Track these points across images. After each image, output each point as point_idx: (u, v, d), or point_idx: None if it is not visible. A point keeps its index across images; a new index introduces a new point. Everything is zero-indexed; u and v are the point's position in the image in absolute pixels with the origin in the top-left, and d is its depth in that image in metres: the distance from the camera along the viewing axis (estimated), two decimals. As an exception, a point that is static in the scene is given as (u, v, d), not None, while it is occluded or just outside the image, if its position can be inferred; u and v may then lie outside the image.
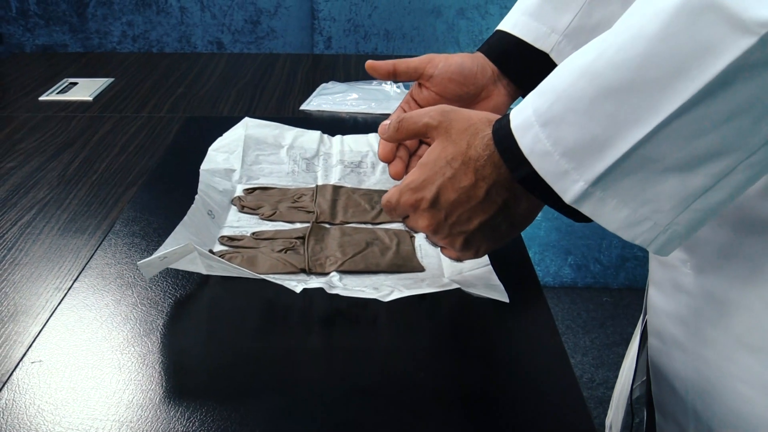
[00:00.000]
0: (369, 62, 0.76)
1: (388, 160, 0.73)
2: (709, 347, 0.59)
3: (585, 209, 0.52)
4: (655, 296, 0.65)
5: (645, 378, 0.77)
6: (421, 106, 0.78)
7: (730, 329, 0.57)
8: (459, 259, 0.67)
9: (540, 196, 0.56)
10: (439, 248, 0.68)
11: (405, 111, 0.78)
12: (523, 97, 0.76)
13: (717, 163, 0.47)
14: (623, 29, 0.49)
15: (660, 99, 0.46)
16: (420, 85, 0.78)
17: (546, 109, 0.52)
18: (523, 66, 0.77)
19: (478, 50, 0.79)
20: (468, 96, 0.77)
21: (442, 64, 0.76)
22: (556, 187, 0.52)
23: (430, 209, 0.61)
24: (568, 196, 0.52)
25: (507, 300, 0.70)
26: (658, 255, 0.51)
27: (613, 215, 0.51)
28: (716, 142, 0.46)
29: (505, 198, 0.59)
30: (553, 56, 0.76)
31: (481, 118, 0.60)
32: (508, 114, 0.56)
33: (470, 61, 0.77)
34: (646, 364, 0.74)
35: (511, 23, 0.78)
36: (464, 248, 0.64)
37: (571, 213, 0.54)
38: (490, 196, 0.59)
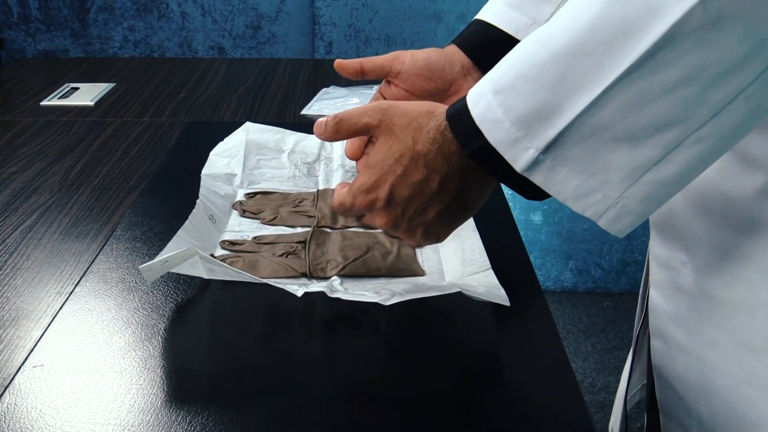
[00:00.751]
0: (337, 61, 0.76)
1: (356, 158, 0.72)
2: (711, 348, 0.59)
3: (536, 178, 0.51)
4: (657, 298, 0.65)
5: (645, 382, 0.77)
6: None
7: (732, 330, 0.57)
8: (419, 246, 0.67)
9: (492, 172, 0.55)
10: (397, 239, 0.68)
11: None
12: None
13: (665, 134, 0.47)
14: None
15: (606, 62, 0.46)
16: (388, 82, 0.78)
17: (499, 77, 0.52)
18: (499, 59, 0.77)
19: (453, 41, 0.79)
20: (437, 91, 0.76)
21: (408, 60, 0.76)
22: (507, 156, 0.51)
23: (385, 207, 0.61)
24: (518, 164, 0.51)
25: (508, 303, 0.70)
26: (610, 231, 0.51)
27: (563, 185, 0.50)
28: (664, 110, 0.46)
29: (458, 187, 0.58)
30: None
31: (421, 111, 0.59)
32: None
33: (437, 56, 0.76)
34: (646, 368, 0.74)
35: (492, 13, 0.78)
36: (425, 237, 0.63)
37: (524, 189, 0.54)
38: (443, 187, 0.58)
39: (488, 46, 0.77)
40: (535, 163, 0.50)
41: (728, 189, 0.56)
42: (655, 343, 0.66)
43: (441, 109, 0.58)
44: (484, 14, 0.78)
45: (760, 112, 0.46)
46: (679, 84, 0.45)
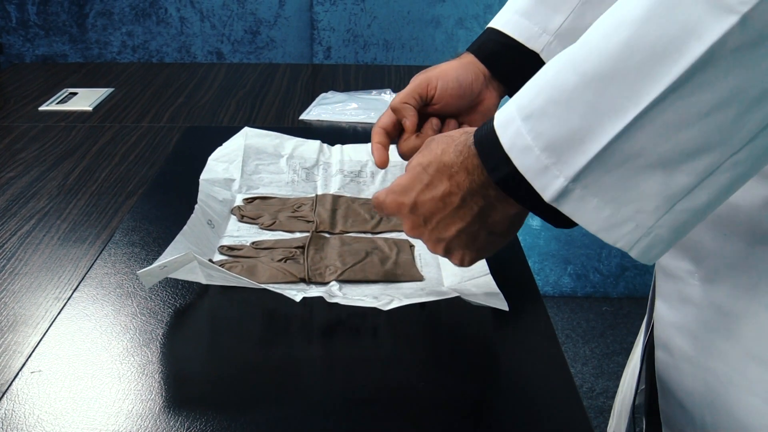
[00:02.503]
0: (378, 157, 0.76)
1: (385, 166, 0.75)
2: (718, 359, 0.58)
3: (565, 208, 0.50)
4: (662, 309, 0.65)
5: (644, 387, 0.77)
6: (422, 119, 0.77)
7: (739, 341, 0.57)
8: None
9: (519, 200, 0.54)
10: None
11: (408, 123, 0.76)
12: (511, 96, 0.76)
13: (700, 160, 0.45)
14: (607, 18, 0.48)
15: (641, 86, 0.45)
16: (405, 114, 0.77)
17: (528, 102, 0.51)
18: (513, 67, 0.77)
19: (468, 49, 0.79)
20: (468, 106, 0.77)
21: (440, 84, 0.75)
22: (536, 184, 0.50)
23: (410, 215, 0.61)
24: (547, 193, 0.50)
25: (507, 308, 0.70)
26: (641, 261, 0.50)
27: (594, 215, 0.49)
28: (699, 136, 0.45)
29: (480, 205, 0.57)
30: (543, 56, 0.76)
31: (458, 130, 0.60)
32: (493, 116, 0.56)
33: (464, 72, 0.76)
34: (647, 374, 0.74)
35: (503, 21, 0.78)
36: (447, 254, 0.63)
37: (552, 217, 0.53)
38: (465, 204, 0.58)
39: (502, 53, 0.77)
40: (564, 193, 0.49)
41: (735, 199, 0.55)
42: (659, 354, 0.66)
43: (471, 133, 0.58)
44: (495, 23, 0.79)
45: None
46: (716, 108, 0.44)
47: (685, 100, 0.44)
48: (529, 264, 0.83)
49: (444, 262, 0.81)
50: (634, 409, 0.79)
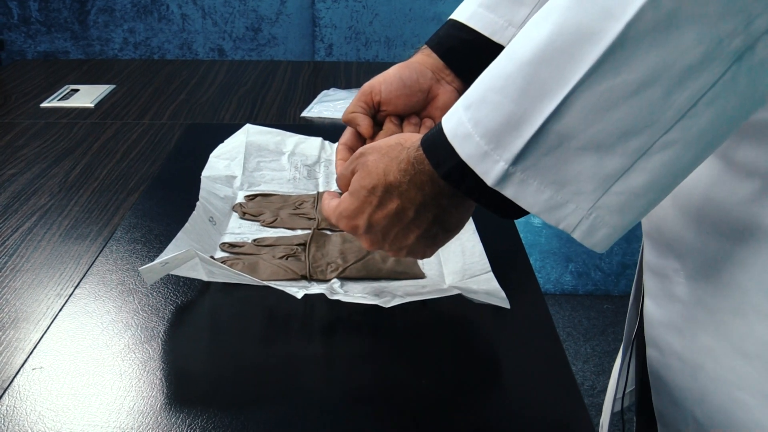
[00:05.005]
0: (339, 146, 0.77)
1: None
2: (706, 356, 0.59)
3: (507, 191, 0.51)
4: (651, 306, 0.65)
5: (633, 387, 0.77)
6: (379, 125, 0.77)
7: (726, 337, 0.57)
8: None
9: (467, 192, 0.55)
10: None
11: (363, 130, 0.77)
12: None
13: (631, 141, 0.46)
14: (543, 7, 0.49)
15: (567, 69, 0.46)
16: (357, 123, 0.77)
17: (470, 93, 0.52)
18: (472, 62, 0.76)
19: (426, 43, 0.79)
20: (418, 103, 0.76)
21: (383, 87, 0.76)
22: (478, 170, 0.51)
23: (366, 234, 0.62)
24: (489, 178, 0.51)
25: (508, 306, 0.70)
26: (587, 245, 0.50)
27: (535, 197, 0.50)
28: (628, 116, 0.46)
29: (434, 213, 0.59)
30: None
31: (390, 144, 0.60)
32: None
33: (408, 71, 0.76)
34: (637, 373, 0.74)
35: (468, 15, 0.77)
36: (411, 256, 0.64)
37: (501, 207, 0.54)
38: (419, 215, 0.59)
39: (462, 49, 0.77)
40: (505, 176, 0.50)
41: (718, 196, 0.56)
42: (650, 352, 0.66)
43: (412, 140, 0.58)
44: (459, 15, 0.78)
45: (727, 117, 0.46)
46: (640, 88, 0.45)
47: (609, 80, 0.45)
48: (531, 262, 0.83)
49: (445, 259, 0.81)
50: (623, 411, 0.79)
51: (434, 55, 0.77)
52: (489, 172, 0.51)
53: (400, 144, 0.59)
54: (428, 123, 0.76)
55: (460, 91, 0.77)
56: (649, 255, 0.65)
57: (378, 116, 0.77)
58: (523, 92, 0.48)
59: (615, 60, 0.45)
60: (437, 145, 0.55)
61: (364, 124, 0.75)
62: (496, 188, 0.51)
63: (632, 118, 0.46)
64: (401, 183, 0.58)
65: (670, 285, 0.62)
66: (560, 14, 0.47)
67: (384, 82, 0.76)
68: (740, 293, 0.56)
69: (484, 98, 0.51)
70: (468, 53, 0.77)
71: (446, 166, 0.54)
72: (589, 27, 0.45)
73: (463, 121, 0.52)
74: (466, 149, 0.52)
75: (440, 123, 0.55)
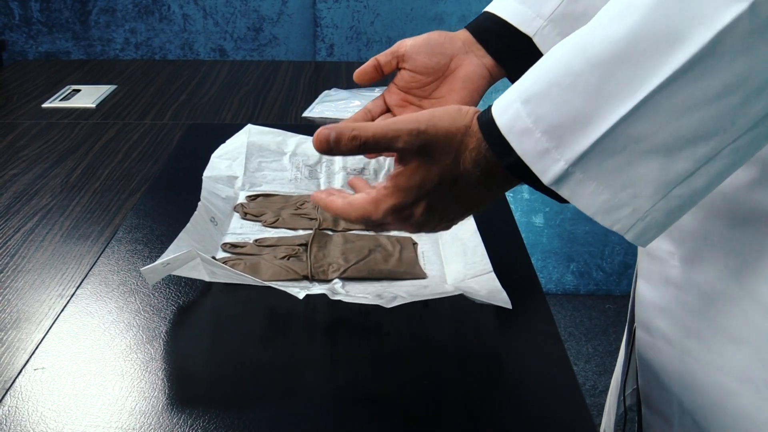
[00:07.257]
0: (356, 72, 0.79)
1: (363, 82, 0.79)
2: (695, 340, 0.59)
3: (563, 191, 0.50)
4: (644, 289, 0.66)
5: (635, 387, 0.77)
6: (399, 88, 0.79)
7: (716, 322, 0.57)
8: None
9: (524, 179, 0.53)
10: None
11: (385, 100, 0.80)
12: (507, 75, 0.77)
13: (701, 147, 0.46)
14: (616, 3, 0.48)
15: (646, 72, 0.45)
16: (390, 85, 0.80)
17: (529, 86, 0.50)
18: (505, 44, 0.78)
19: (465, 27, 0.80)
20: (438, 66, 0.77)
21: (410, 41, 0.78)
22: (535, 168, 0.50)
23: (418, 221, 0.58)
24: (546, 177, 0.50)
25: (510, 306, 0.70)
26: (636, 243, 0.50)
27: (591, 199, 0.49)
28: (701, 123, 0.45)
29: (492, 197, 0.57)
30: (536, 41, 0.76)
31: (460, 129, 0.55)
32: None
33: (437, 35, 0.78)
34: (625, 354, 0.75)
35: (499, 6, 0.79)
36: (441, 230, 0.62)
37: (553, 193, 0.52)
38: (483, 197, 0.57)
39: (495, 31, 0.78)
40: (564, 176, 0.49)
41: None
42: (639, 333, 0.67)
43: (476, 124, 0.55)
44: (492, 7, 0.80)
45: None
46: (720, 95, 0.44)
47: (690, 86, 0.45)
48: (532, 261, 0.83)
49: (447, 259, 0.81)
50: (626, 411, 0.79)
51: (467, 33, 0.79)
52: (547, 171, 0.50)
53: (467, 127, 0.55)
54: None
55: (490, 70, 0.78)
56: None
57: (398, 73, 0.79)
58: (596, 92, 0.47)
59: (701, 66, 0.44)
60: (494, 139, 0.53)
61: (369, 67, 0.78)
62: (552, 187, 0.50)
63: (706, 125, 0.45)
64: (472, 173, 0.55)
65: (665, 268, 0.62)
66: (642, 15, 0.45)
67: (413, 39, 0.78)
68: (735, 278, 0.56)
69: (548, 94, 0.49)
70: (503, 36, 0.77)
71: (508, 161, 0.52)
72: (676, 30, 0.44)
73: (522, 116, 0.50)
74: (524, 145, 0.50)
75: (490, 113, 0.53)
